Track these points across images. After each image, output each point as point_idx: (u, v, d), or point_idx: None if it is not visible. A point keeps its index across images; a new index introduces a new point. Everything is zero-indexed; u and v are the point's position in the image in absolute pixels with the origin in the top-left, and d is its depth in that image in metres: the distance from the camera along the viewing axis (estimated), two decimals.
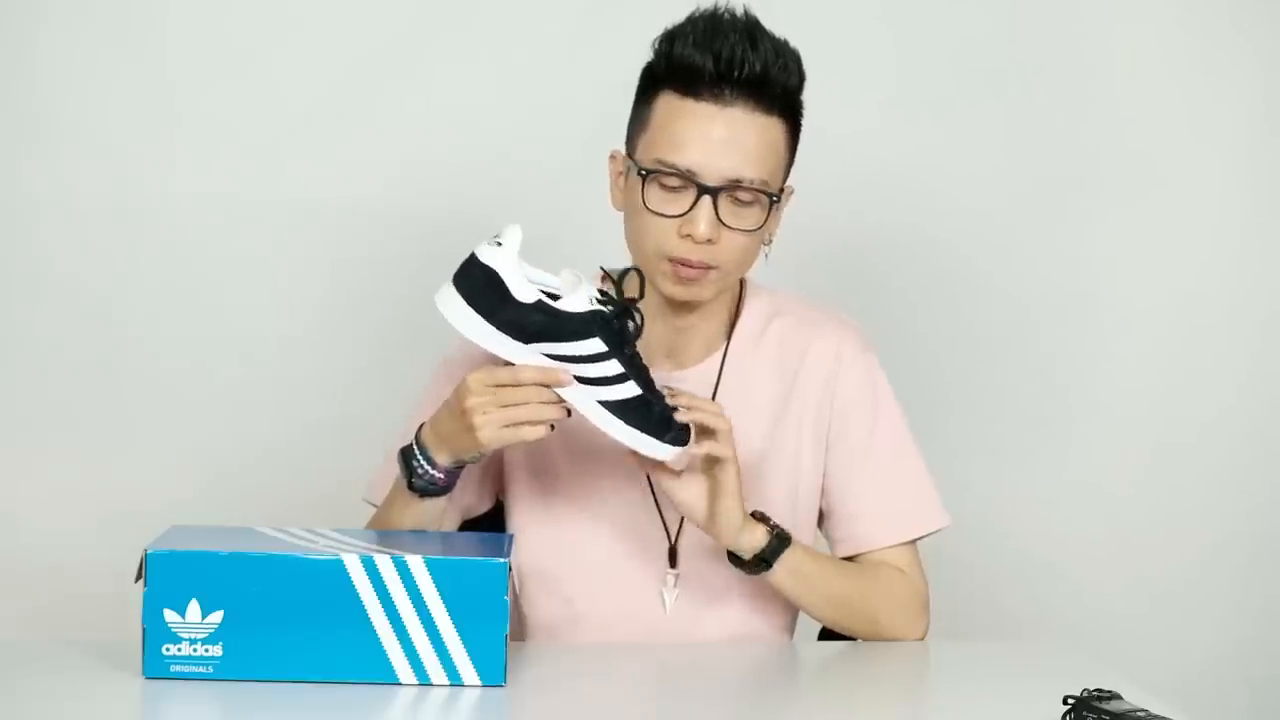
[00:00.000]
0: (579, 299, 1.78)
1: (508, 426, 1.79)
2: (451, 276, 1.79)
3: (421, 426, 1.86)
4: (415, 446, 1.86)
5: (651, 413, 1.81)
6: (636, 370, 1.81)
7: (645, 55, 1.94)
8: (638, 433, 1.81)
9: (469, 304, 1.78)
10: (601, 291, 1.81)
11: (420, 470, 1.85)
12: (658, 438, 1.81)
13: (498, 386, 1.79)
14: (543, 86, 2.85)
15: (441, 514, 1.92)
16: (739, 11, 1.91)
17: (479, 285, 1.78)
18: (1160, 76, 2.95)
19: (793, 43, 1.93)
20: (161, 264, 2.82)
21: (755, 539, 1.90)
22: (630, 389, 1.80)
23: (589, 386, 1.80)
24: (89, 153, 2.80)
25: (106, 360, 2.82)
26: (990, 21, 2.91)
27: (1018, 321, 2.96)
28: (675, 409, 1.83)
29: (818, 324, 2.06)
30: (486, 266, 1.78)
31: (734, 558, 1.93)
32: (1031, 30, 2.92)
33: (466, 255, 1.79)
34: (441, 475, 1.86)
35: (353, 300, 2.85)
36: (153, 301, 2.82)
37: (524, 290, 1.77)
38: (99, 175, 2.80)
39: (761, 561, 1.92)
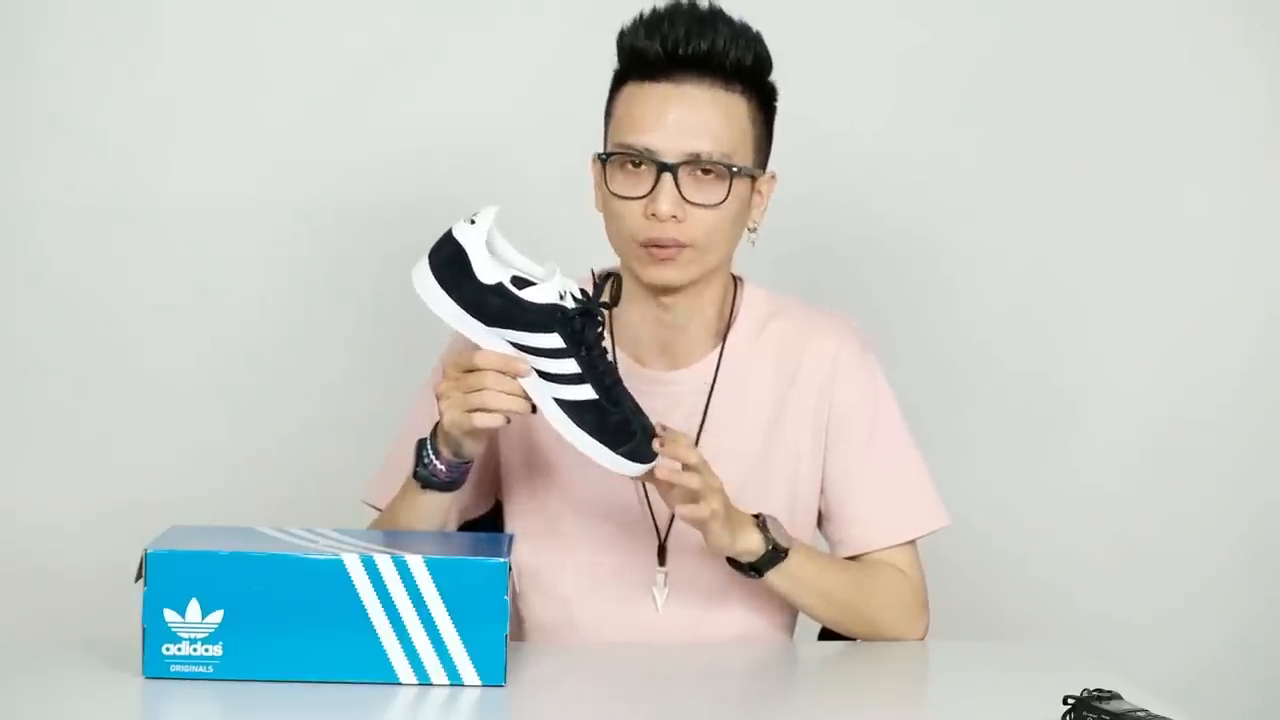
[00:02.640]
0: (546, 291, 1.76)
1: (466, 412, 1.78)
2: (428, 250, 1.80)
3: None
4: (429, 436, 1.86)
5: (606, 420, 1.79)
6: (596, 374, 1.78)
7: None
8: (588, 438, 1.79)
9: (435, 278, 1.78)
10: (582, 291, 1.79)
11: (426, 459, 1.86)
12: (610, 447, 1.79)
13: (463, 371, 1.79)
14: (544, 87, 2.84)
15: (446, 511, 1.91)
16: (702, 3, 1.92)
17: (446, 260, 1.78)
18: (1162, 77, 2.94)
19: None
20: (161, 264, 2.82)
21: (750, 547, 1.89)
22: (585, 391, 1.78)
23: (547, 382, 1.78)
24: (89, 153, 2.80)
25: (106, 360, 2.82)
26: (994, 23, 2.91)
27: (1018, 322, 2.96)
28: (645, 426, 1.81)
29: (816, 325, 2.05)
30: (456, 242, 1.78)
31: (730, 559, 1.92)
32: (1033, 31, 2.92)
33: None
34: (443, 468, 1.86)
35: (353, 300, 2.84)
36: (152, 302, 2.82)
37: (488, 271, 1.76)
38: (99, 175, 2.80)
39: (754, 569, 1.91)
